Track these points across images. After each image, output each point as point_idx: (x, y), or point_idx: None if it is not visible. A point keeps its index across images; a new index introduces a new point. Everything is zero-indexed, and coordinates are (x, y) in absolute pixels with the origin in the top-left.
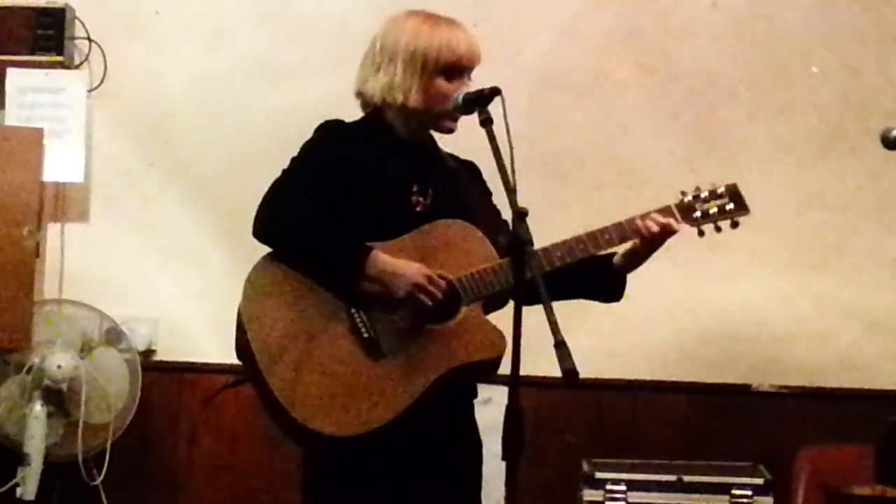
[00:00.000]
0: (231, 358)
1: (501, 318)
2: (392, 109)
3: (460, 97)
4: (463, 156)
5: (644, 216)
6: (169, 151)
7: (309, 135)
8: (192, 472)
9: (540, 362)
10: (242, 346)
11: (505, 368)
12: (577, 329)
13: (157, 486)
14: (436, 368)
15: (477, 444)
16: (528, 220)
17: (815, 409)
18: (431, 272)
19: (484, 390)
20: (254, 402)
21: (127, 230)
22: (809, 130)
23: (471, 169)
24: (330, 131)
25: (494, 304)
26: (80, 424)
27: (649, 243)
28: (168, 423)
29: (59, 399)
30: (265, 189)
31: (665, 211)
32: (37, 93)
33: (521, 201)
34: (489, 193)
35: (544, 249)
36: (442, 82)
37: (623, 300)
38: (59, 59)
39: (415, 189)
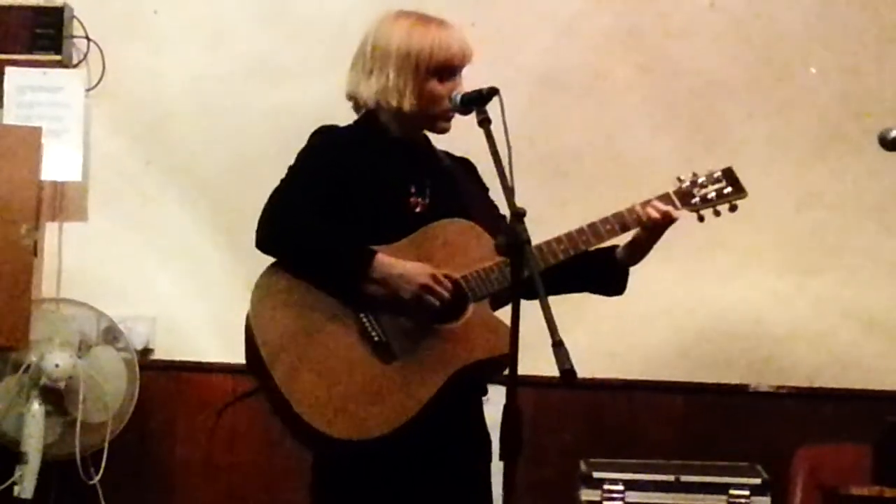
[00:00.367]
0: (229, 357)
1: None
2: (386, 112)
3: (458, 97)
4: (455, 153)
5: (644, 204)
6: (167, 151)
7: (308, 133)
8: (190, 471)
9: (538, 362)
10: (251, 354)
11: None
12: (575, 329)
13: (154, 485)
14: (448, 367)
15: (486, 442)
16: (527, 219)
17: (812, 410)
18: (437, 272)
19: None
20: (253, 402)
21: (125, 229)
22: (808, 130)
23: (466, 166)
24: (325, 137)
25: (502, 300)
26: (78, 423)
27: (650, 232)
28: (166, 422)
29: (57, 398)
30: (264, 189)
31: (664, 198)
32: (35, 92)
33: (520, 201)
34: (486, 189)
35: (547, 243)
36: (435, 84)
37: (622, 300)
38: (58, 58)
39: (413, 190)
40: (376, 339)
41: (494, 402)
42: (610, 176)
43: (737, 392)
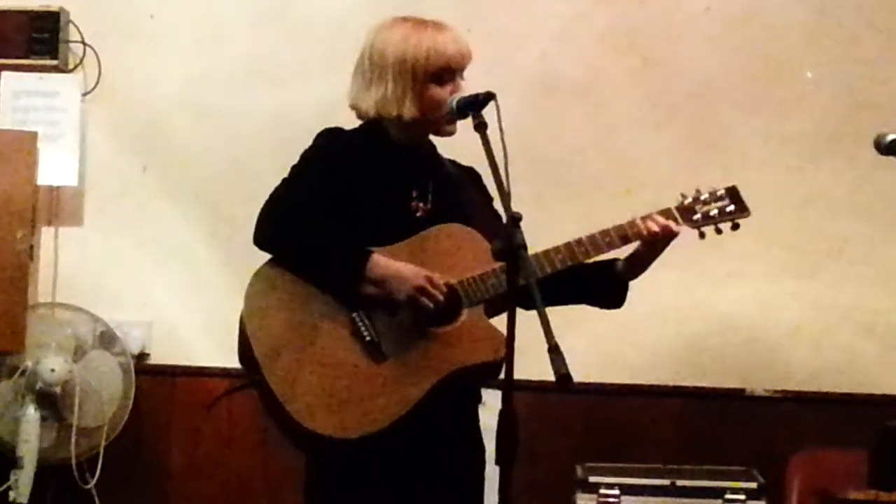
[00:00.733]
0: (225, 361)
1: (496, 323)
2: (389, 120)
3: (454, 102)
4: (457, 160)
5: (644, 218)
6: (163, 155)
7: (305, 138)
8: (185, 476)
9: (534, 367)
10: (244, 351)
11: (499, 374)
12: (570, 333)
13: (150, 490)
14: (438, 371)
15: (479, 448)
16: (524, 224)
17: (809, 414)
18: (433, 275)
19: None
20: (249, 404)
21: (121, 234)
22: (804, 134)
23: (471, 175)
24: (329, 139)
25: (497, 307)
26: (74, 428)
27: (651, 247)
28: (161, 427)
29: (53, 402)
30: (261, 193)
31: (665, 213)
32: (31, 96)
33: (517, 205)
34: (490, 199)
35: (545, 252)
36: (435, 89)
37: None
38: (54, 62)
39: (415, 194)
40: (368, 339)
41: (490, 407)
42: (607, 180)
43: (733, 396)
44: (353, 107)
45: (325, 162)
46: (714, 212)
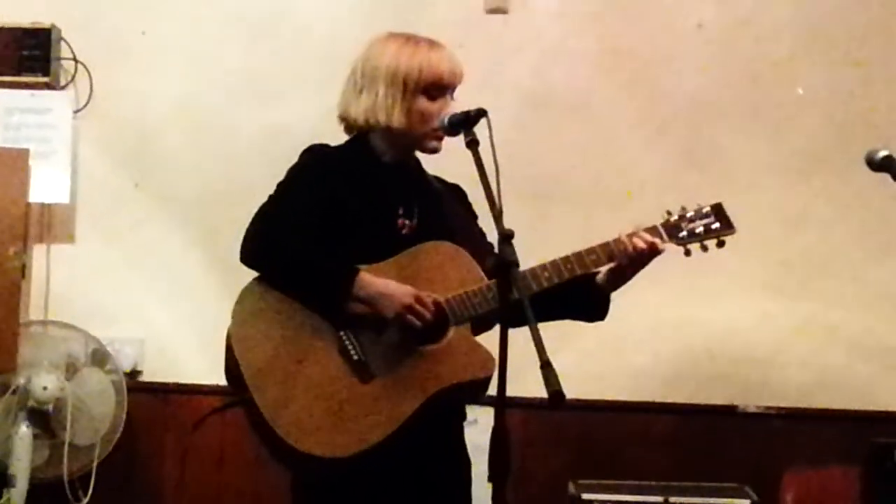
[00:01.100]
0: (217, 379)
1: (488, 340)
2: (376, 132)
3: (446, 119)
4: (448, 178)
5: (630, 235)
6: (155, 172)
7: (297, 154)
8: (178, 493)
9: (526, 384)
10: (231, 368)
11: (491, 390)
12: (563, 350)
13: None
14: (425, 389)
15: (466, 466)
16: (515, 241)
17: (801, 431)
18: (420, 293)
19: (470, 411)
20: (240, 423)
21: (113, 251)
22: (795, 151)
23: (457, 192)
24: (315, 156)
25: (483, 324)
26: (66, 445)
27: (634, 263)
28: (154, 444)
29: (45, 420)
30: (252, 210)
31: (651, 230)
32: (23, 113)
33: (508, 223)
34: (475, 216)
35: (531, 270)
36: (424, 102)
37: (609, 322)
38: (45, 79)
39: (401, 212)
40: (355, 357)
41: (482, 424)
42: (597, 197)
43: (725, 413)
44: (342, 116)
45: (311, 179)
46: (699, 229)
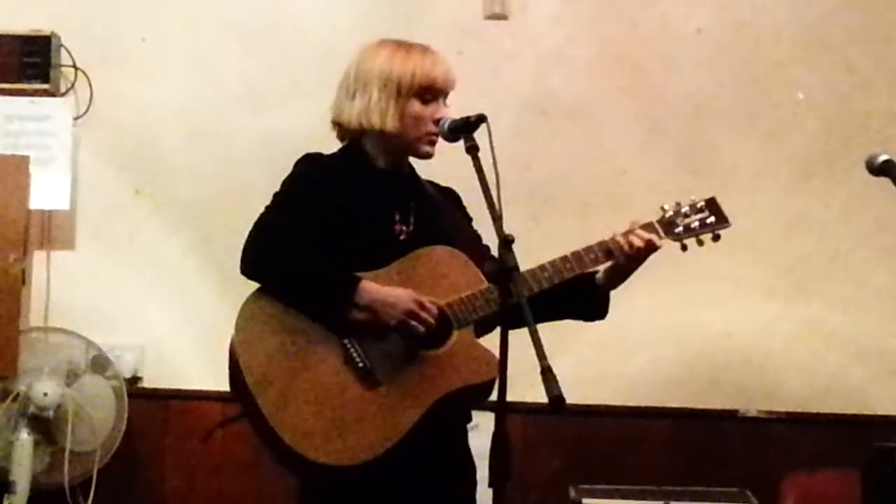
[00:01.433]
0: (217, 385)
1: (488, 345)
2: (370, 137)
3: (446, 124)
4: (449, 183)
5: (627, 233)
6: (155, 178)
7: (295, 161)
8: (179, 500)
9: (526, 389)
10: (235, 378)
11: (492, 395)
12: (563, 355)
13: None
14: (431, 394)
15: (471, 470)
16: (515, 246)
17: (801, 435)
18: (423, 298)
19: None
20: (242, 428)
21: (113, 257)
22: (795, 155)
23: (451, 195)
24: (309, 164)
25: (485, 327)
26: (67, 452)
27: (633, 261)
28: (154, 451)
29: (46, 427)
30: (252, 216)
31: (647, 227)
32: (23, 120)
33: (508, 228)
34: (470, 219)
35: (531, 271)
36: (417, 105)
37: (609, 326)
38: (45, 86)
39: (397, 217)
40: (360, 365)
41: (483, 429)
42: (597, 201)
43: (725, 417)
44: (335, 120)
45: (307, 187)
46: (695, 224)
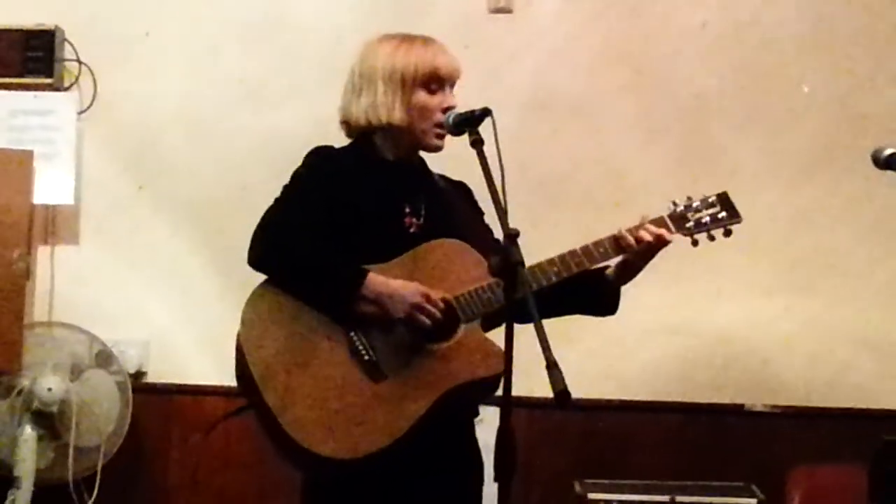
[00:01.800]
0: (222, 379)
1: (495, 339)
2: (379, 132)
3: (451, 118)
4: (453, 176)
5: (637, 227)
6: (159, 174)
7: (300, 155)
8: (183, 494)
9: (532, 383)
10: (241, 371)
11: (497, 389)
12: (568, 350)
13: None
14: (437, 388)
15: (478, 464)
16: (520, 240)
17: (808, 429)
18: (430, 292)
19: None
20: (246, 423)
21: (117, 252)
22: (800, 150)
23: (462, 189)
24: (320, 157)
25: (493, 321)
26: (71, 447)
27: (643, 255)
28: (159, 445)
29: (50, 422)
30: (256, 212)
31: (658, 221)
32: (27, 115)
33: (513, 222)
34: (481, 213)
35: (539, 265)
36: (424, 95)
37: (615, 321)
38: (49, 81)
39: (407, 210)
40: (366, 358)
41: (488, 424)
42: (602, 194)
43: (731, 412)
44: (344, 119)
45: (317, 180)
46: (706, 219)
